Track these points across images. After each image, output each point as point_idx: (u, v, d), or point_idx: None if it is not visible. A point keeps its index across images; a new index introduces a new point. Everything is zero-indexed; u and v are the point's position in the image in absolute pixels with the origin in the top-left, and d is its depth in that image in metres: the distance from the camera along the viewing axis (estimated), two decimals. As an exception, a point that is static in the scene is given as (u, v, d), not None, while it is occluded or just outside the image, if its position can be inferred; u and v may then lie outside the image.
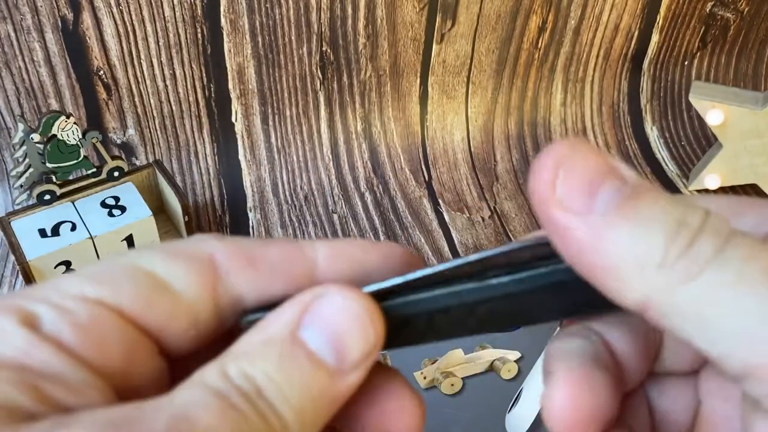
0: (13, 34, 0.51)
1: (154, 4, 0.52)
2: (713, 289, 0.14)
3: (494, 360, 0.42)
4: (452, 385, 0.40)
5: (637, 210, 0.15)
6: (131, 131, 0.58)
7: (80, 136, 0.47)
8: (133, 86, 0.56)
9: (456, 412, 0.39)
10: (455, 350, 0.42)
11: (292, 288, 0.17)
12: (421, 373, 0.41)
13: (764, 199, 0.19)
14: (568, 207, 0.15)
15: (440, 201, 0.59)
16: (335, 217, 0.57)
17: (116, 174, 0.50)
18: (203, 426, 0.13)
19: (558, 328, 0.40)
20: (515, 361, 0.41)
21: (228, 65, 0.57)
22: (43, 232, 0.47)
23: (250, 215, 0.57)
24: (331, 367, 0.15)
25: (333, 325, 0.16)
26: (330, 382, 0.15)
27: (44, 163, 0.47)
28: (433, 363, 0.41)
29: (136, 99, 0.56)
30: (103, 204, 0.50)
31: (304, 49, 0.58)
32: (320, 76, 0.59)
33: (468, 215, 0.58)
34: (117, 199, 0.50)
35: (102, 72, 0.55)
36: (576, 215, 0.15)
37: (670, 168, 0.63)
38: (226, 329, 0.17)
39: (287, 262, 0.17)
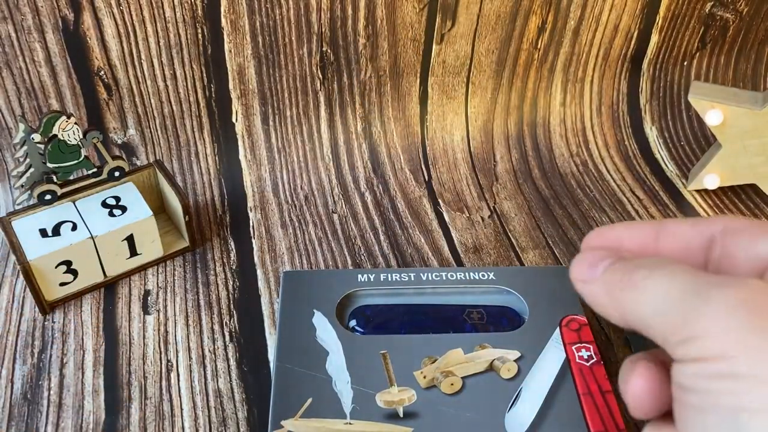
0: (13, 35, 0.51)
1: (154, 5, 0.52)
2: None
3: (494, 359, 0.42)
4: (452, 384, 0.40)
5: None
6: (132, 131, 0.58)
7: (81, 136, 0.47)
8: (134, 86, 0.56)
9: (456, 412, 0.39)
10: (455, 350, 0.42)
11: None
12: (421, 372, 0.41)
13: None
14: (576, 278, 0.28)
15: (440, 201, 0.60)
16: (335, 216, 0.57)
17: (117, 174, 0.50)
18: None
19: (557, 329, 0.43)
20: (515, 361, 0.42)
21: (228, 65, 0.57)
22: (43, 232, 0.47)
23: (251, 215, 0.57)
24: None
25: None
26: None
27: (45, 163, 0.47)
28: (432, 362, 0.41)
29: (137, 99, 0.57)
30: (104, 204, 0.50)
31: (305, 49, 0.58)
32: (320, 76, 0.60)
33: (468, 215, 0.58)
34: (118, 198, 0.50)
35: (103, 72, 0.55)
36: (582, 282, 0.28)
37: (670, 168, 0.64)
38: None
39: None
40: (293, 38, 0.57)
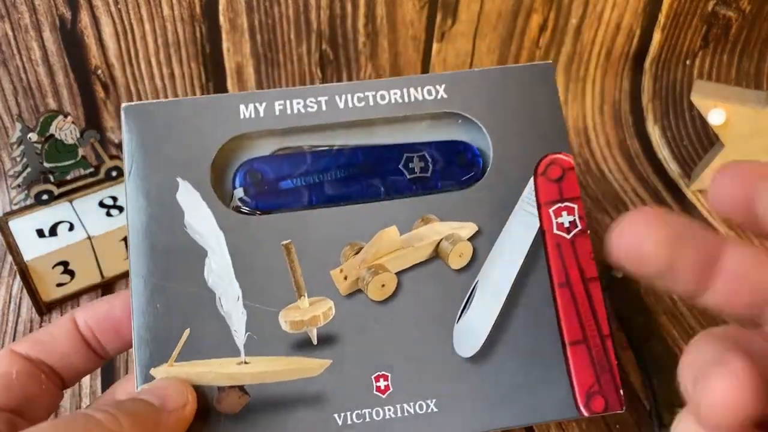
0: (10, 33, 0.51)
1: (152, 3, 0.52)
2: None
3: (441, 239, 0.29)
4: (383, 285, 0.28)
5: None
6: (130, 130, 0.58)
7: (78, 136, 0.47)
8: (132, 85, 0.56)
9: (389, 327, 0.28)
10: (388, 229, 0.29)
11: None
12: (340, 270, 0.28)
13: None
14: None
15: (440, 201, 0.59)
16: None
17: (114, 174, 0.50)
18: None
19: (531, 182, 0.30)
20: (469, 240, 0.29)
21: (227, 64, 0.57)
22: (40, 233, 0.47)
23: (250, 215, 0.57)
24: (158, 406, 0.26)
25: (160, 388, 0.26)
26: (157, 413, 0.25)
27: (42, 163, 0.47)
28: (356, 252, 0.28)
29: (135, 98, 0.56)
30: (101, 204, 0.49)
31: (304, 47, 0.57)
32: (320, 75, 0.59)
33: (468, 215, 0.58)
34: (115, 199, 0.50)
35: (100, 71, 0.54)
36: None
37: (672, 168, 0.63)
38: None
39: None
40: (292, 36, 0.57)
